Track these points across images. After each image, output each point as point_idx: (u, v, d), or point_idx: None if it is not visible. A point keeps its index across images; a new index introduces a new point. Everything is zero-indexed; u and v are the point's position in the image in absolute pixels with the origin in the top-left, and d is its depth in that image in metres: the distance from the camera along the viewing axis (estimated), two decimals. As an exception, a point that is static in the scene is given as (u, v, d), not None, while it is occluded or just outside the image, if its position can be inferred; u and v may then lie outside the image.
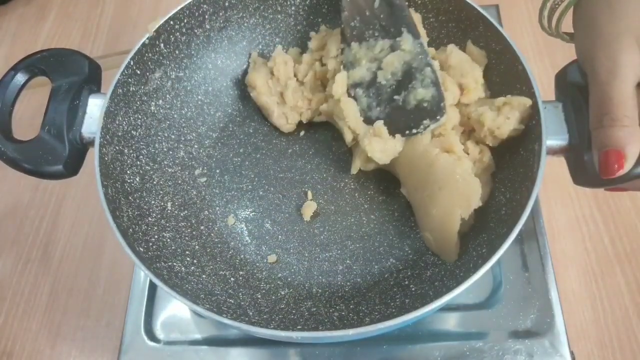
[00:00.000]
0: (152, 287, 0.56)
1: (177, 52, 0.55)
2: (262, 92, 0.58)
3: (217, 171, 0.58)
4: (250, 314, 0.46)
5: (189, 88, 0.58)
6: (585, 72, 0.42)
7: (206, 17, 0.56)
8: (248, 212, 0.56)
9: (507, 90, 0.50)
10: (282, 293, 0.50)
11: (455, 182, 0.46)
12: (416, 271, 0.50)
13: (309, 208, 0.54)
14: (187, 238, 0.52)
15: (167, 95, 0.56)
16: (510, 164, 0.49)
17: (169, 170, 0.55)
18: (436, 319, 0.53)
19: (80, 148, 0.48)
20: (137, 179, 0.51)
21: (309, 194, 0.56)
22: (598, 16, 0.40)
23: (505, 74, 0.50)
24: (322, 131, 0.59)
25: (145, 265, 0.41)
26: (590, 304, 0.63)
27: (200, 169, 0.58)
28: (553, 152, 0.45)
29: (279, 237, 0.54)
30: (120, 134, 0.49)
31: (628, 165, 0.38)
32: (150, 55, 0.52)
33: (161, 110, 0.55)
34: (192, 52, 0.57)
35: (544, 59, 0.83)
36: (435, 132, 0.50)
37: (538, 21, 0.49)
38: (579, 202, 0.70)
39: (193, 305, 0.40)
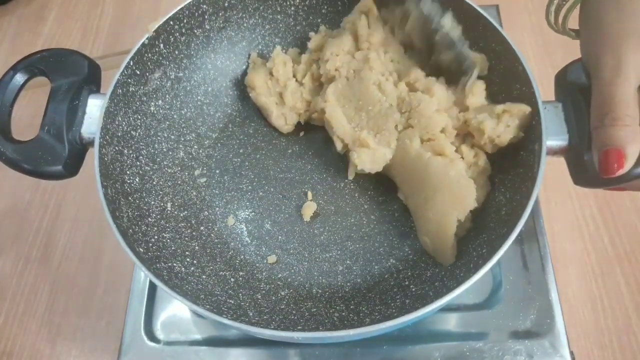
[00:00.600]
0: (152, 287, 0.56)
1: (176, 52, 0.55)
2: (261, 93, 0.58)
3: (217, 171, 0.58)
4: (251, 314, 0.46)
5: (188, 88, 0.58)
6: (588, 70, 0.42)
7: (206, 17, 0.56)
8: (248, 213, 0.56)
9: (507, 91, 0.50)
10: (282, 293, 0.50)
11: (450, 184, 0.46)
12: (416, 271, 0.50)
13: (309, 208, 0.54)
14: (187, 238, 0.52)
15: (167, 96, 0.56)
16: (511, 164, 0.49)
17: (169, 170, 0.55)
18: (436, 319, 0.53)
19: (80, 148, 0.48)
20: (137, 180, 0.50)
21: (309, 194, 0.56)
22: (605, 15, 0.40)
23: (505, 74, 0.50)
24: (321, 132, 0.59)
25: (145, 266, 0.41)
26: (590, 304, 0.63)
27: (200, 169, 0.58)
28: (553, 152, 0.44)
29: (279, 237, 0.54)
30: (119, 134, 0.49)
31: (628, 165, 0.38)
32: (149, 55, 0.52)
33: (161, 111, 0.55)
34: (192, 53, 0.57)
35: (544, 59, 0.83)
36: (424, 137, 0.50)
37: (545, 18, 0.49)
38: (579, 202, 0.70)
39: (193, 306, 0.40)
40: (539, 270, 0.54)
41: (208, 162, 0.59)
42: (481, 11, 0.51)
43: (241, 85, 0.62)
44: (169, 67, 0.55)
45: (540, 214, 0.57)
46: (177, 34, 0.54)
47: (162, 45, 0.53)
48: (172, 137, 0.56)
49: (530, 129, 0.46)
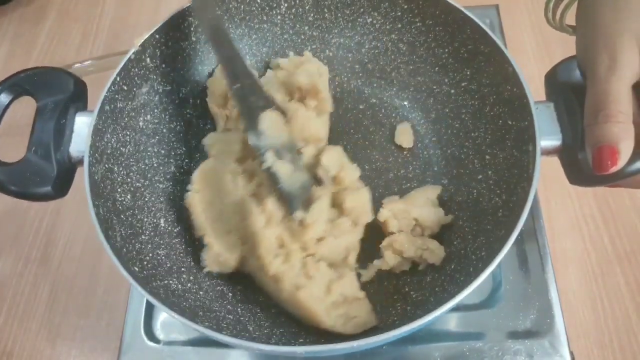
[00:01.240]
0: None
1: (163, 65, 0.55)
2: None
3: (210, 184, 0.57)
4: (251, 329, 0.45)
5: (177, 102, 0.57)
6: (583, 68, 0.43)
7: (192, 29, 0.55)
8: (243, 225, 0.55)
9: (497, 92, 0.50)
10: (282, 306, 0.49)
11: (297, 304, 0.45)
12: (415, 277, 0.50)
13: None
14: (182, 254, 0.51)
15: (155, 110, 0.55)
16: (504, 165, 0.49)
17: (161, 186, 0.54)
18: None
19: (69, 167, 0.47)
20: (129, 197, 0.50)
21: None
22: (602, 14, 0.41)
23: (494, 76, 0.50)
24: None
25: (141, 285, 0.40)
26: (590, 304, 0.63)
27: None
28: (547, 152, 0.45)
29: (276, 248, 0.53)
30: (109, 151, 0.48)
31: (621, 162, 0.39)
32: (136, 70, 0.51)
33: (150, 125, 0.54)
34: (179, 66, 0.57)
35: (544, 59, 0.83)
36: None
37: (544, 14, 0.50)
38: (579, 202, 0.70)
39: (192, 324, 0.39)
40: (538, 270, 0.54)
41: (200, 175, 0.58)
42: (468, 13, 0.51)
43: (230, 96, 0.61)
44: (156, 81, 0.54)
45: (540, 213, 0.58)
46: (164, 47, 0.54)
47: (148, 60, 0.52)
48: (163, 151, 0.55)
49: (524, 130, 0.46)
